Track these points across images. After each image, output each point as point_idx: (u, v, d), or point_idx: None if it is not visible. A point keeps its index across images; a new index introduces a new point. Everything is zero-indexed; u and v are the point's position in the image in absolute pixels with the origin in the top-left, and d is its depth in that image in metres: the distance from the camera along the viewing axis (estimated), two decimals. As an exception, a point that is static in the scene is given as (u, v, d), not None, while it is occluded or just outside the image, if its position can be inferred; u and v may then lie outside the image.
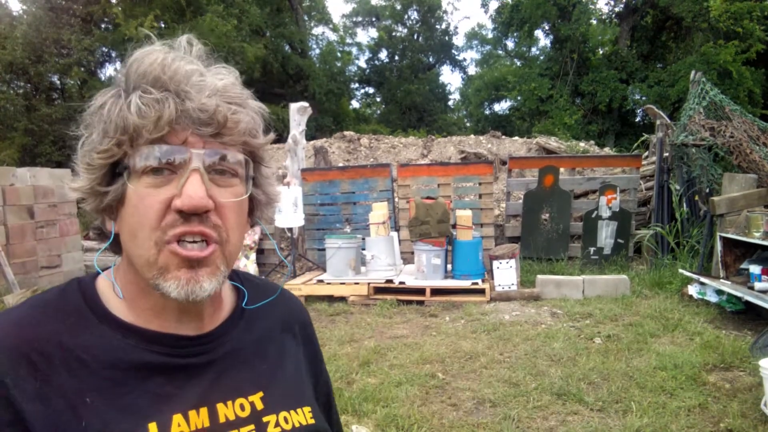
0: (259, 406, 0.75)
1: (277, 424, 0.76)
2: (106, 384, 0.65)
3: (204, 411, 0.70)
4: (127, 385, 0.66)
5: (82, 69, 16.59)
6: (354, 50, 30.41)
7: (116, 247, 0.72)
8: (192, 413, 0.69)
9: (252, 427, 0.73)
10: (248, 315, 0.82)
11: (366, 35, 36.52)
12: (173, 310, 0.71)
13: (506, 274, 5.86)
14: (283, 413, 0.77)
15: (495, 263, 5.90)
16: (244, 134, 0.69)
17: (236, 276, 0.87)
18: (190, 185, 0.63)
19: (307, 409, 0.80)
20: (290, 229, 7.10)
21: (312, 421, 0.79)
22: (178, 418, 0.67)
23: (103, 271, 0.75)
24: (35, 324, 0.66)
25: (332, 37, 28.68)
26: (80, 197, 0.69)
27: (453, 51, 32.01)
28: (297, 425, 0.77)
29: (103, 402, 0.64)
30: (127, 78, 0.65)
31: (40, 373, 0.63)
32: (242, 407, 0.74)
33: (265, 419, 0.75)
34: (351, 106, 29.05)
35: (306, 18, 25.69)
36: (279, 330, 0.86)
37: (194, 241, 0.65)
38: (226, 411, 0.72)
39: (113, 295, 0.72)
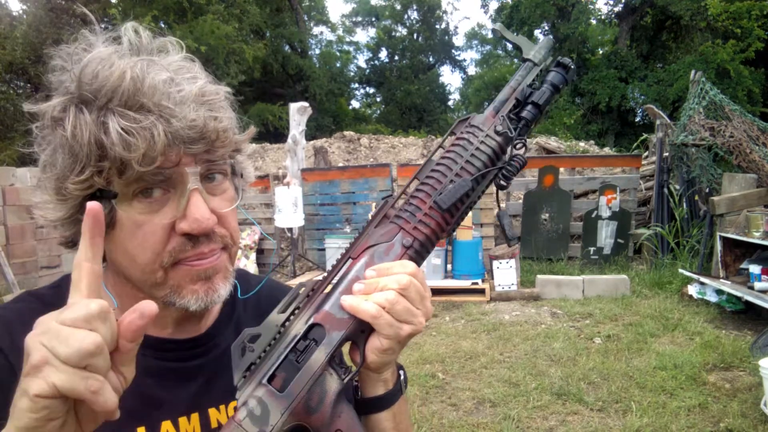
0: None
1: None
2: None
3: (195, 417, 0.68)
4: None
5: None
6: (353, 50, 30.43)
7: None
8: (182, 420, 0.67)
9: None
10: (239, 314, 0.80)
11: (366, 35, 36.52)
12: (172, 319, 0.69)
13: (506, 274, 5.86)
14: None
15: (495, 263, 5.90)
16: (233, 143, 0.65)
17: None
18: (195, 207, 0.59)
19: None
20: (290, 229, 7.10)
21: None
22: (167, 425, 0.66)
23: None
24: (28, 319, 0.63)
25: (331, 37, 28.71)
26: (57, 225, 0.63)
27: (453, 51, 32.04)
28: None
29: None
30: (82, 89, 0.57)
31: None
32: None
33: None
34: (351, 106, 29.07)
35: (306, 18, 25.69)
36: None
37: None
38: (218, 416, 0.70)
39: (109, 300, 0.69)
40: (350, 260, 0.63)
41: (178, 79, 0.60)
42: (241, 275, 0.85)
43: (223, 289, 0.65)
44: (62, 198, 0.60)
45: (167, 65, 0.61)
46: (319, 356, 0.60)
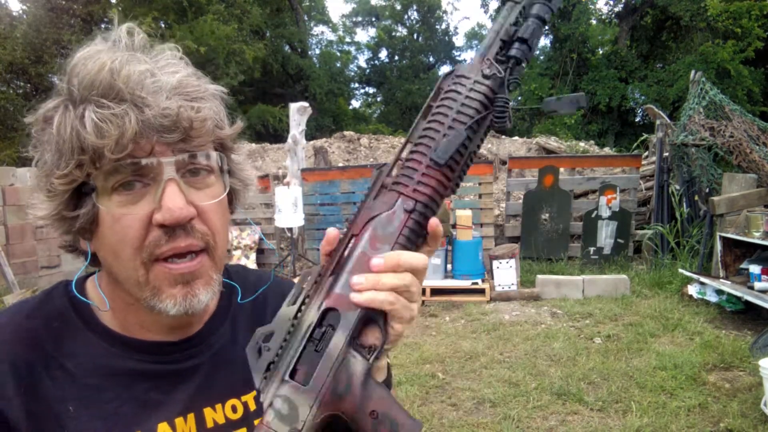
0: (252, 406, 0.73)
1: None
2: (90, 392, 0.63)
3: (191, 417, 0.68)
4: (111, 393, 0.64)
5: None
6: (354, 50, 30.43)
7: (94, 261, 0.68)
8: (179, 420, 0.67)
9: (243, 430, 0.71)
10: (236, 309, 0.78)
11: (366, 35, 36.51)
12: (163, 323, 0.69)
13: (506, 274, 5.86)
14: None
15: (495, 263, 5.90)
16: (212, 132, 0.64)
17: (224, 271, 0.81)
18: (168, 197, 0.59)
19: None
20: (290, 229, 7.10)
21: None
22: (163, 426, 0.66)
23: (86, 277, 0.72)
24: (17, 330, 0.64)
25: (332, 37, 28.72)
26: (47, 224, 0.64)
27: (453, 51, 32.03)
28: None
29: (87, 410, 0.62)
30: (71, 86, 0.59)
31: (22, 381, 0.61)
32: (234, 409, 0.71)
33: (257, 422, 0.70)
34: (351, 106, 29.07)
35: (306, 18, 25.69)
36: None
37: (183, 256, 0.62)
38: (214, 415, 0.70)
39: (101, 301, 0.69)
40: (353, 238, 0.60)
41: (156, 71, 0.60)
42: (239, 273, 0.83)
43: (204, 295, 0.63)
44: (49, 194, 0.61)
45: (150, 59, 0.62)
46: (338, 340, 0.57)
